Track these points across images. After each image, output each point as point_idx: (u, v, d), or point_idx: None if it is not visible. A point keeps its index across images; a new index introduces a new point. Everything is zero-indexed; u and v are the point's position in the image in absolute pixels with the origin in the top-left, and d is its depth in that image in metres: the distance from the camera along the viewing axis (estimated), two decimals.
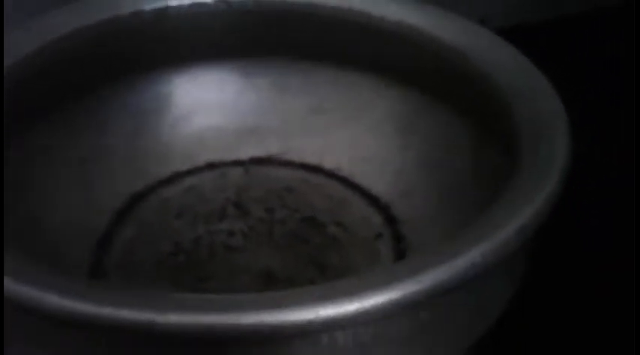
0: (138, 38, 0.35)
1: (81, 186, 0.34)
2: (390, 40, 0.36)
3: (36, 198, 0.32)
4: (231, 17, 0.36)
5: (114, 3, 0.35)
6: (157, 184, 0.36)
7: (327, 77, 0.38)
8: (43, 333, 0.24)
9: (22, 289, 0.23)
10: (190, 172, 0.36)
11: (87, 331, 0.23)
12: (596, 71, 0.47)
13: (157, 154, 0.36)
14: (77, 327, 0.23)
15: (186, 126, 0.37)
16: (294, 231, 0.34)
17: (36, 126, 0.33)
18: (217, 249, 0.34)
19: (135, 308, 0.22)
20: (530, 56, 0.33)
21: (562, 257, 0.36)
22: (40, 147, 0.33)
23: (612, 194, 0.39)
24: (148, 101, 0.37)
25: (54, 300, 0.23)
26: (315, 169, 0.37)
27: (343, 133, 0.37)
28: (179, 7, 0.36)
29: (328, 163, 0.37)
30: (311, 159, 0.37)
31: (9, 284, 0.23)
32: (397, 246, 0.34)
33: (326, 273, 0.33)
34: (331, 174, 0.37)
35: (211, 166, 0.37)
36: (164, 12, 0.35)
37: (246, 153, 0.37)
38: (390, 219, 0.35)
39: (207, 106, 0.38)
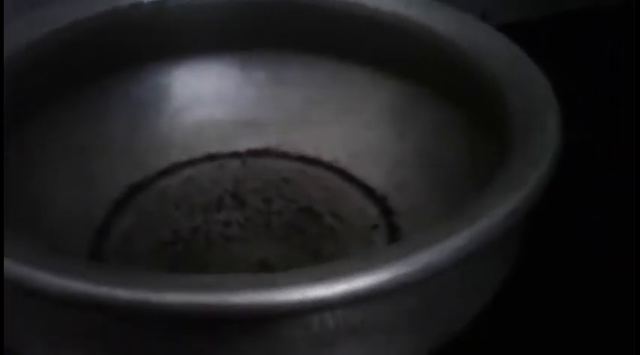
0: (137, 30, 0.36)
1: (80, 176, 0.35)
2: (387, 32, 0.36)
3: (35, 188, 0.33)
4: (231, 9, 0.37)
5: None
6: (156, 175, 0.36)
7: (325, 70, 0.38)
8: (41, 313, 0.25)
9: (18, 268, 0.23)
10: (189, 163, 0.37)
11: (83, 310, 0.23)
12: (596, 67, 0.47)
13: (155, 145, 0.37)
14: (73, 306, 0.23)
15: (185, 118, 0.38)
16: (290, 221, 0.35)
17: (36, 117, 0.33)
18: (215, 239, 0.34)
19: (129, 288, 0.22)
20: (531, 52, 0.33)
21: (562, 254, 0.35)
22: (39, 138, 0.34)
23: (612, 190, 0.39)
24: (147, 92, 0.37)
25: (49, 279, 0.23)
26: (313, 161, 0.37)
27: (341, 125, 0.38)
28: None
29: (326, 155, 0.37)
30: (309, 151, 0.38)
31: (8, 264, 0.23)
32: (392, 236, 0.34)
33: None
34: (329, 166, 0.37)
35: (210, 158, 0.37)
36: (163, 4, 0.36)
37: (244, 144, 0.38)
38: (386, 211, 0.35)
39: (206, 98, 0.38)
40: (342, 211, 0.35)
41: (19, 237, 0.25)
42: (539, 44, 0.33)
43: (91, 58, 0.35)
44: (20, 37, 0.33)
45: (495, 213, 0.25)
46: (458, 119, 0.35)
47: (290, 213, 0.35)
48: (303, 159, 0.37)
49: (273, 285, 0.22)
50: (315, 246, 0.34)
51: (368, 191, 0.36)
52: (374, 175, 0.36)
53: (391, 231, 0.34)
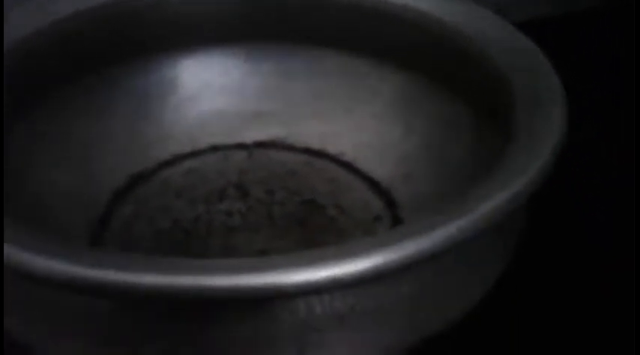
0: (141, 21, 0.36)
1: (83, 166, 0.35)
2: (395, 23, 0.36)
3: (37, 178, 0.33)
4: (236, 0, 0.37)
5: None
6: (159, 166, 0.36)
7: (332, 62, 0.38)
8: (36, 297, 0.25)
9: (13, 251, 0.23)
10: (193, 154, 0.37)
11: (76, 293, 0.23)
12: (604, 66, 0.47)
13: (159, 137, 0.37)
14: (64, 289, 0.23)
15: (190, 110, 0.37)
16: (292, 212, 0.34)
17: (38, 108, 0.33)
18: (216, 228, 0.34)
19: (120, 270, 0.22)
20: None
21: (566, 249, 0.35)
22: (42, 128, 0.34)
23: (617, 187, 0.39)
24: (152, 84, 0.37)
25: (42, 263, 0.23)
26: (319, 154, 0.37)
27: (347, 118, 0.37)
28: None
29: (332, 148, 0.37)
30: (314, 143, 0.37)
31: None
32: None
33: None
34: (334, 159, 0.37)
35: (214, 149, 0.37)
36: None
37: (249, 136, 0.37)
38: (390, 203, 0.35)
39: (211, 90, 0.38)
40: (345, 203, 0.35)
41: (19, 224, 0.25)
42: (549, 42, 0.33)
43: (93, 49, 0.35)
44: (22, 28, 0.33)
45: (495, 198, 0.24)
46: (465, 112, 0.34)
47: (293, 205, 0.35)
48: (308, 151, 0.37)
49: (259, 269, 0.22)
50: (317, 237, 0.33)
51: (373, 183, 0.36)
52: (379, 168, 0.36)
53: (394, 223, 0.34)
